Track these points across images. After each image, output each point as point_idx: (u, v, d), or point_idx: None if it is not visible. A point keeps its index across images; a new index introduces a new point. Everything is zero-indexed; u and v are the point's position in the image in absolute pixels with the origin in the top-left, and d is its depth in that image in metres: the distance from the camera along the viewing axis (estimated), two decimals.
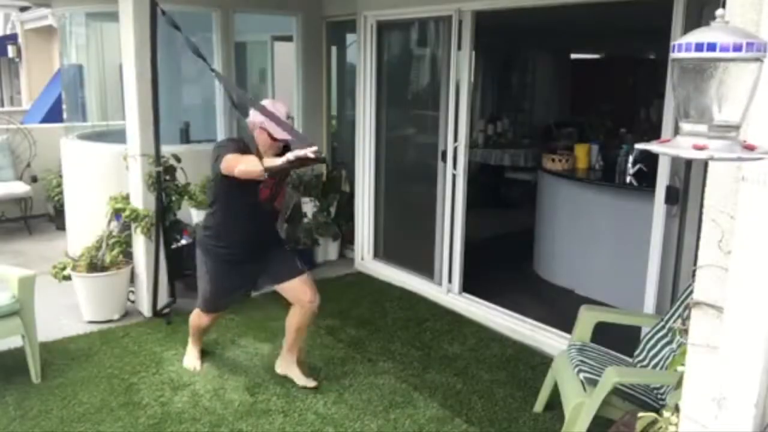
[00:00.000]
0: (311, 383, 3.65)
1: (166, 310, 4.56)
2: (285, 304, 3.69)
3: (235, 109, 3.42)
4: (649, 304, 3.75)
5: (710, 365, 1.62)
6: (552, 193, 5.58)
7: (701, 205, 1.64)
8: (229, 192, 3.34)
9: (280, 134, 3.23)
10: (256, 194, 3.37)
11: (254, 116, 3.30)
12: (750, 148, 1.24)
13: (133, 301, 4.69)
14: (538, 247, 5.75)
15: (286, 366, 3.72)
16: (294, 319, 3.61)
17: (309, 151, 2.80)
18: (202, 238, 3.60)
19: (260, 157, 3.16)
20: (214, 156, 3.22)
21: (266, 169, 3.01)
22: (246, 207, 3.40)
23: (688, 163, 3.41)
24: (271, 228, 3.74)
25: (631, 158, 4.97)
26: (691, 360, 1.69)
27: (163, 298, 4.60)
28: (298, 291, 3.55)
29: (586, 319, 3.29)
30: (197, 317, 3.76)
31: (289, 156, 2.85)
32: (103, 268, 4.47)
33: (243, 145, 3.29)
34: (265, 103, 3.34)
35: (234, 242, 3.48)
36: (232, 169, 3.08)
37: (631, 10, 4.56)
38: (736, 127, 1.26)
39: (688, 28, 3.26)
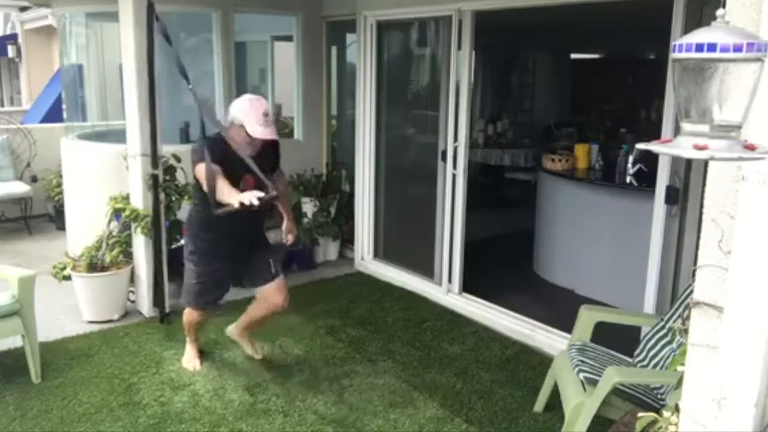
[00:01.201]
0: (257, 355, 3.94)
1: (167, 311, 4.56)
2: None
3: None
4: (649, 304, 3.75)
5: (710, 365, 1.62)
6: (552, 193, 5.58)
7: (701, 205, 1.64)
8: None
9: (259, 132, 3.19)
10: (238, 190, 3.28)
11: (233, 111, 3.27)
12: (750, 148, 1.24)
13: (133, 301, 4.69)
14: (538, 247, 5.75)
15: (238, 334, 3.93)
16: (259, 312, 3.72)
17: (254, 197, 2.86)
18: (190, 223, 3.58)
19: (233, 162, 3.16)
20: (191, 158, 3.27)
21: (218, 204, 3.03)
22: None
23: (688, 163, 3.41)
24: (255, 229, 3.65)
25: (631, 158, 4.97)
26: (691, 360, 1.69)
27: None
28: (270, 294, 3.62)
29: (586, 318, 3.29)
30: (188, 314, 3.74)
31: (235, 201, 2.90)
32: (103, 268, 4.47)
33: (217, 146, 3.19)
34: (243, 99, 3.31)
35: (216, 239, 3.46)
36: (199, 179, 3.17)
37: (631, 10, 4.56)
38: (737, 127, 1.26)
39: (688, 28, 3.26)
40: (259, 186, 3.21)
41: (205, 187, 3.12)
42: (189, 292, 3.61)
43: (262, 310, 3.69)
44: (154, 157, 4.44)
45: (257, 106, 3.23)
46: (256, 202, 2.86)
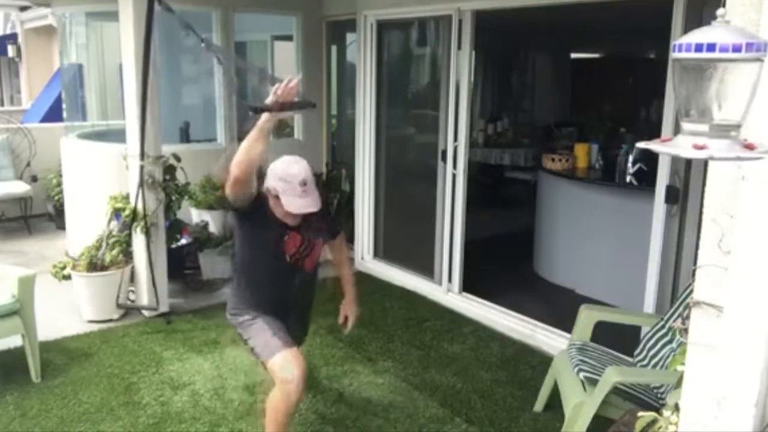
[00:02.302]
0: None
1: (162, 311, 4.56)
2: None
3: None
4: (649, 304, 3.75)
5: (710, 365, 1.62)
6: (552, 192, 5.58)
7: (701, 205, 1.64)
8: (246, 248, 2.87)
9: (297, 207, 2.73)
10: (278, 250, 2.83)
11: (269, 179, 2.79)
12: (750, 147, 1.25)
13: (133, 301, 4.69)
14: (538, 246, 5.75)
15: None
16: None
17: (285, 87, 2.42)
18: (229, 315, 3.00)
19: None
20: (221, 168, 2.86)
21: (250, 142, 2.49)
22: (268, 269, 2.87)
23: (688, 162, 3.41)
24: (306, 300, 3.15)
25: (631, 158, 4.96)
26: (691, 360, 1.69)
27: (163, 299, 4.61)
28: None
29: (586, 318, 3.29)
30: (281, 383, 2.70)
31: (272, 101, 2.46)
32: (103, 268, 4.47)
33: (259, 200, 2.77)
34: (279, 165, 2.79)
35: (267, 302, 2.90)
36: (230, 177, 2.59)
37: (631, 10, 4.57)
38: (737, 127, 1.26)
39: (688, 28, 3.26)
40: (307, 241, 2.89)
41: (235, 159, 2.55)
42: (267, 345, 2.78)
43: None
44: (142, 152, 4.40)
45: (295, 174, 2.72)
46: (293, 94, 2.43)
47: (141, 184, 4.42)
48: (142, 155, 4.41)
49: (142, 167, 4.41)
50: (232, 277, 3.09)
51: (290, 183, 2.72)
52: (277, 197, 2.75)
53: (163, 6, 4.08)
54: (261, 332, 2.82)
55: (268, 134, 2.55)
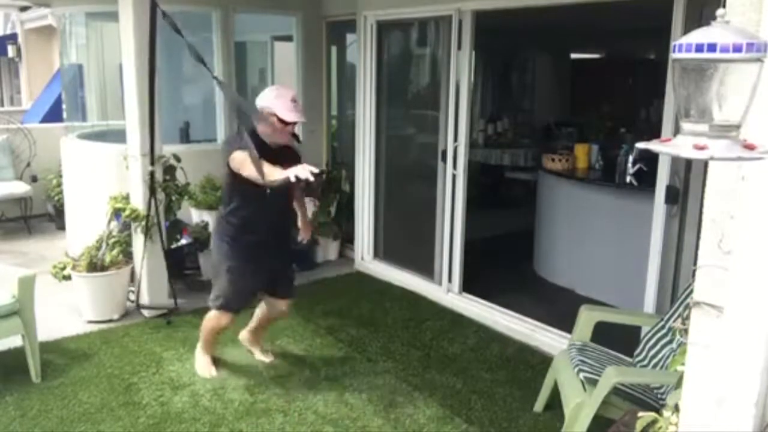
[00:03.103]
0: (268, 358, 3.95)
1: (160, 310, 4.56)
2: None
3: (235, 118, 3.46)
4: (649, 304, 3.75)
5: (710, 365, 1.62)
6: (552, 192, 5.58)
7: (701, 205, 1.64)
8: (244, 186, 3.26)
9: (290, 116, 3.26)
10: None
11: (261, 102, 3.32)
12: (750, 147, 1.25)
13: (133, 301, 4.69)
14: (538, 246, 5.75)
15: (250, 342, 3.99)
16: (272, 316, 3.87)
17: (308, 171, 2.78)
18: (226, 229, 3.51)
19: (264, 157, 3.13)
20: (225, 155, 3.27)
21: (267, 180, 3.02)
22: (263, 199, 3.32)
23: (688, 163, 3.41)
24: (285, 229, 3.71)
25: (631, 158, 4.96)
26: (691, 360, 1.69)
27: (162, 298, 4.61)
28: (282, 305, 3.79)
29: (586, 318, 3.29)
30: (216, 319, 3.62)
31: (291, 174, 2.83)
32: (103, 268, 4.47)
33: (253, 138, 3.22)
34: (271, 89, 3.41)
35: (260, 229, 3.47)
36: (239, 169, 3.15)
37: (631, 10, 4.57)
38: (737, 127, 1.26)
39: (688, 28, 3.26)
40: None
41: (246, 172, 3.08)
42: (225, 296, 3.53)
43: (275, 314, 3.84)
44: (152, 153, 4.42)
45: (285, 93, 3.33)
46: (311, 177, 2.78)
47: (152, 192, 4.45)
48: (152, 160, 4.43)
49: (152, 173, 4.44)
50: (231, 218, 3.49)
51: (284, 98, 3.27)
52: (271, 114, 3.25)
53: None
54: (229, 285, 3.50)
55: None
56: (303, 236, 3.86)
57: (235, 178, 3.26)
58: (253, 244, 3.47)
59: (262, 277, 3.59)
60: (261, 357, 3.96)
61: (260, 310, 3.88)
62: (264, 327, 3.98)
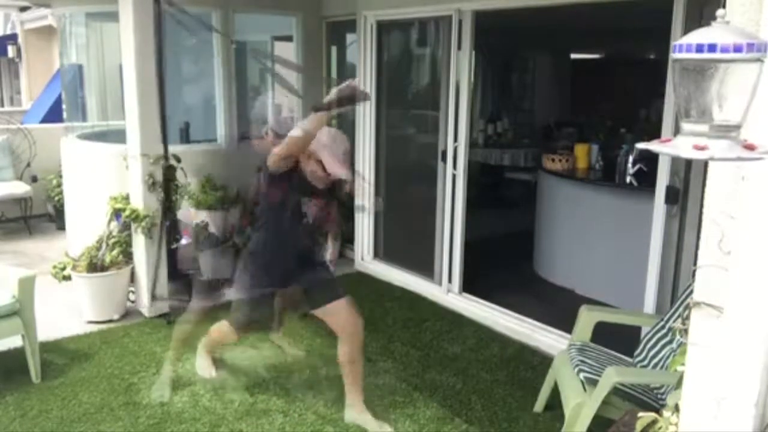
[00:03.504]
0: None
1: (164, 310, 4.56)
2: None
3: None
4: (649, 304, 3.75)
5: (710, 365, 1.62)
6: (552, 193, 5.58)
7: (701, 205, 1.63)
8: (271, 210, 3.14)
9: (335, 169, 3.03)
10: (299, 210, 3.20)
11: (315, 146, 3.02)
12: (750, 147, 1.24)
13: (133, 301, 4.69)
14: (538, 246, 5.75)
15: (356, 414, 3.33)
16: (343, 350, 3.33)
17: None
18: (256, 257, 3.25)
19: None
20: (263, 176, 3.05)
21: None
22: (289, 224, 3.18)
23: (688, 163, 3.41)
24: (312, 247, 3.56)
25: (631, 158, 4.96)
26: (691, 360, 1.68)
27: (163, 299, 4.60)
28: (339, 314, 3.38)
29: (586, 318, 3.29)
30: (226, 334, 3.49)
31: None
32: (103, 268, 4.47)
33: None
34: (329, 133, 3.11)
35: (287, 257, 3.24)
36: (292, 151, 2.88)
37: (631, 10, 4.56)
38: (737, 127, 1.26)
39: (688, 28, 3.26)
40: (325, 205, 3.29)
41: (299, 147, 2.85)
42: (244, 313, 3.32)
43: (345, 346, 3.41)
44: (166, 151, 4.47)
45: (341, 141, 3.09)
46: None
47: (167, 191, 4.49)
48: (166, 157, 4.47)
49: (167, 167, 4.49)
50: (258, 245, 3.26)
51: (337, 147, 3.06)
52: (318, 161, 3.04)
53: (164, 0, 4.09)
54: (251, 312, 3.33)
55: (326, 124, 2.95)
56: (331, 258, 3.82)
57: (269, 198, 3.06)
58: (281, 273, 3.24)
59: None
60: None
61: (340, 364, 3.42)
62: (356, 377, 3.43)
